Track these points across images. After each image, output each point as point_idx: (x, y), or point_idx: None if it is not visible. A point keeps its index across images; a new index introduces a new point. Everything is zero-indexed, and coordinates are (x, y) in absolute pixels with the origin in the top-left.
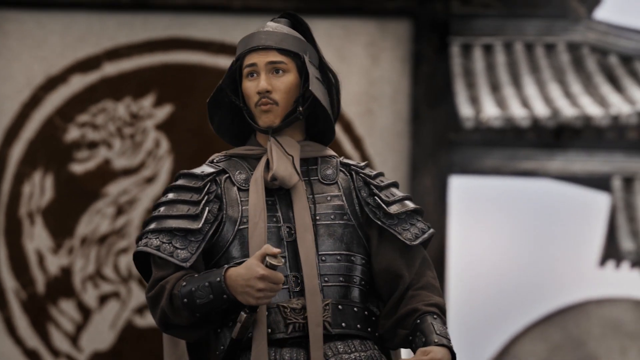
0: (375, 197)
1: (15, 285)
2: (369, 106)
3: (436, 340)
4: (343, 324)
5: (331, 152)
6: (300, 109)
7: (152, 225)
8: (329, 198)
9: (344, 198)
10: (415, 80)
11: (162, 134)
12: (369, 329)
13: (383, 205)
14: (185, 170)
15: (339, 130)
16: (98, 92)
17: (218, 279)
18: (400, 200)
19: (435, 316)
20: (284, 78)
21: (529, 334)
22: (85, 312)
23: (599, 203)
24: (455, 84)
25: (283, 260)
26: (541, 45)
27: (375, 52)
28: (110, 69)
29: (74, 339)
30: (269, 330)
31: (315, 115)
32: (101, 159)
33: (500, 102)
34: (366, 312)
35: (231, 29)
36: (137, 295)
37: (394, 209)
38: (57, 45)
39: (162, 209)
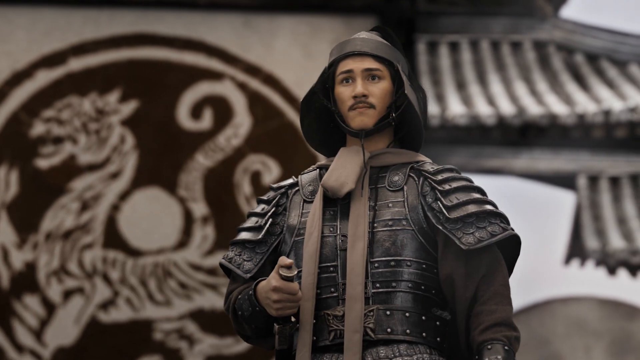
0: (439, 202)
1: None
2: None
3: None
4: (388, 330)
5: (418, 158)
6: (393, 114)
7: (234, 238)
8: (390, 205)
9: (406, 204)
10: None
11: (128, 130)
12: (423, 334)
13: (444, 210)
14: (272, 184)
15: None
16: (64, 88)
17: (250, 292)
18: (466, 203)
19: (489, 346)
20: (379, 84)
21: None
22: (50, 308)
23: (564, 201)
24: (420, 81)
25: (296, 270)
26: (507, 43)
27: None
28: (76, 64)
29: (38, 334)
30: (314, 337)
31: (405, 123)
32: (66, 155)
33: (466, 100)
34: (424, 317)
35: (197, 25)
36: (102, 290)
37: (455, 213)
38: (22, 40)
39: (244, 221)
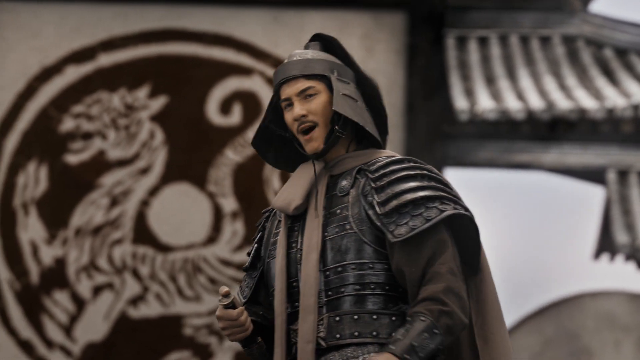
0: (374, 198)
1: (9, 276)
2: None
3: (384, 350)
4: (337, 335)
5: (375, 156)
6: (337, 127)
7: None
8: (338, 211)
9: (350, 207)
10: (410, 73)
11: (157, 125)
12: (374, 333)
13: (376, 206)
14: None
15: None
16: (93, 83)
17: None
18: (399, 194)
19: (409, 318)
20: (316, 100)
21: (523, 327)
22: (79, 303)
23: (593, 196)
24: (450, 76)
25: (231, 296)
26: (536, 38)
27: (370, 44)
28: (105, 59)
29: (67, 329)
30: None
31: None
32: (96, 150)
33: (495, 95)
34: (375, 317)
35: (226, 20)
36: (131, 286)
37: (387, 207)
38: (52, 36)
39: None
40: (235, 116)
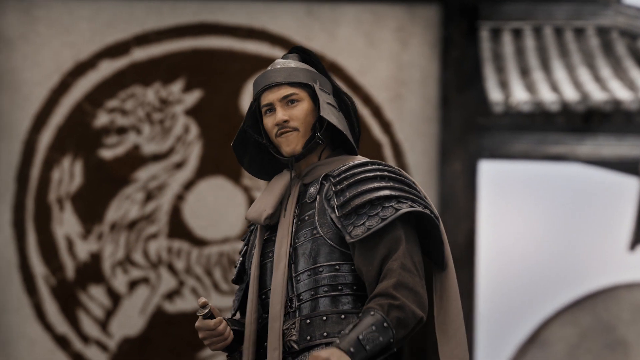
0: (334, 201)
1: (44, 271)
2: (398, 91)
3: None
4: (308, 337)
5: (345, 163)
6: (318, 134)
7: None
8: (307, 218)
9: (316, 213)
10: (445, 65)
11: (192, 119)
12: (341, 332)
13: (336, 209)
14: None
15: (367, 115)
16: (127, 78)
17: None
18: (356, 196)
19: (360, 314)
20: (298, 106)
21: (559, 319)
22: (115, 298)
23: (628, 187)
24: (484, 68)
25: (209, 306)
26: (570, 30)
27: (404, 37)
28: (140, 54)
29: (103, 324)
30: None
31: (335, 130)
32: (130, 145)
33: (530, 87)
34: (343, 316)
35: (260, 14)
36: (167, 280)
37: (344, 209)
38: (86, 31)
39: None
40: None
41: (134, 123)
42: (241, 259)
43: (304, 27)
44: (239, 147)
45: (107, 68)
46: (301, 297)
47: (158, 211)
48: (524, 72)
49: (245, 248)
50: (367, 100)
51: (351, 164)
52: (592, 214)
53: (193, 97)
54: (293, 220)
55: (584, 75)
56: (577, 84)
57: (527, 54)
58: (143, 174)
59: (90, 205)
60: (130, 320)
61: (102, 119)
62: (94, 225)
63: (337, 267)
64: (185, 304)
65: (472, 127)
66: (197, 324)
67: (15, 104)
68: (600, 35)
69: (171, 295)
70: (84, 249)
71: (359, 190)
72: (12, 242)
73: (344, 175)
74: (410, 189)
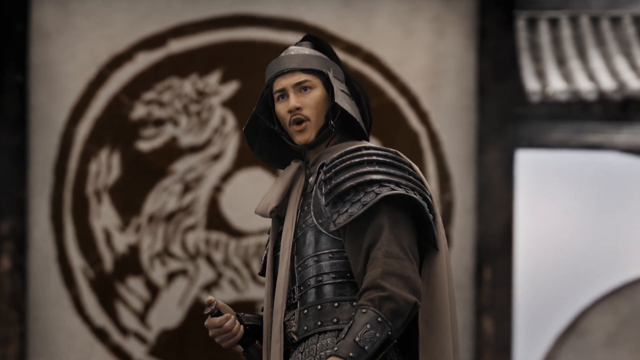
0: (322, 189)
1: (83, 264)
2: (434, 81)
3: (331, 353)
4: (305, 328)
5: (347, 148)
6: (332, 122)
7: None
8: (306, 208)
9: (312, 202)
10: (481, 55)
11: (229, 111)
12: (334, 320)
13: (323, 196)
14: None
15: (404, 105)
16: (164, 70)
17: None
18: (342, 183)
19: (353, 313)
20: (311, 94)
21: (598, 308)
22: (153, 290)
23: None
24: (521, 58)
25: (214, 304)
26: (607, 19)
27: (440, 26)
28: (176, 46)
29: (142, 316)
30: None
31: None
32: (168, 137)
33: (567, 76)
34: (336, 304)
35: (296, 5)
36: (205, 272)
37: (330, 196)
38: (122, 23)
39: None
40: None
41: (171, 115)
42: (265, 252)
43: (340, 18)
44: (250, 133)
45: (143, 60)
46: (302, 288)
47: (196, 203)
48: (561, 62)
49: (268, 242)
50: (404, 91)
51: (348, 149)
52: (630, 202)
53: (230, 89)
54: (297, 211)
55: (621, 64)
56: (613, 73)
57: (564, 43)
58: (180, 166)
59: (128, 198)
60: (168, 312)
61: (139, 111)
62: (132, 218)
63: (330, 255)
64: (223, 295)
65: (509, 117)
66: (206, 322)
67: (53, 97)
68: (636, 24)
69: (209, 287)
70: (122, 242)
71: (345, 176)
72: (50, 235)
73: (334, 162)
74: (398, 171)
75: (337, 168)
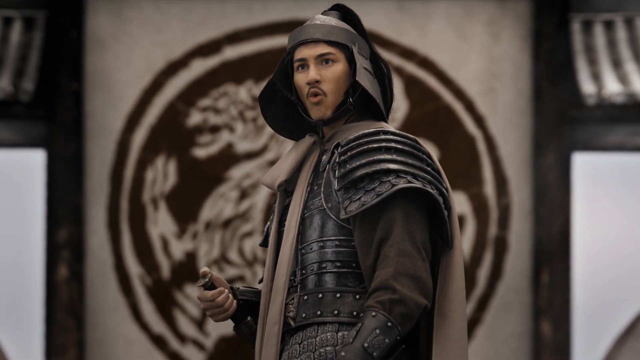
0: (336, 173)
1: (140, 271)
2: (490, 84)
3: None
4: (303, 315)
5: (370, 127)
6: (351, 99)
7: None
8: (316, 187)
9: (323, 183)
10: (537, 58)
11: None
12: (335, 312)
13: (336, 181)
14: None
15: (460, 110)
16: (219, 76)
17: None
18: (357, 168)
19: (361, 314)
20: (333, 68)
21: None
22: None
23: None
24: (576, 60)
25: (208, 277)
26: None
27: (495, 30)
28: (231, 52)
29: (199, 323)
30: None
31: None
32: (224, 143)
33: (622, 78)
34: (338, 295)
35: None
36: None
37: (343, 181)
38: (177, 30)
39: None
40: None
41: (227, 121)
42: (269, 224)
43: (395, 22)
44: (264, 101)
45: (199, 67)
46: (304, 272)
47: (253, 209)
48: (616, 64)
49: (272, 215)
50: (460, 95)
51: (362, 132)
52: None
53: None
54: (306, 188)
55: None
56: None
57: (619, 46)
58: (237, 172)
59: (185, 205)
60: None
61: (195, 118)
62: (189, 225)
63: (336, 242)
64: None
65: (565, 120)
66: (198, 295)
67: (108, 105)
68: None
69: None
70: (179, 248)
71: (361, 162)
72: (107, 243)
73: (351, 144)
74: (417, 161)
75: (354, 152)
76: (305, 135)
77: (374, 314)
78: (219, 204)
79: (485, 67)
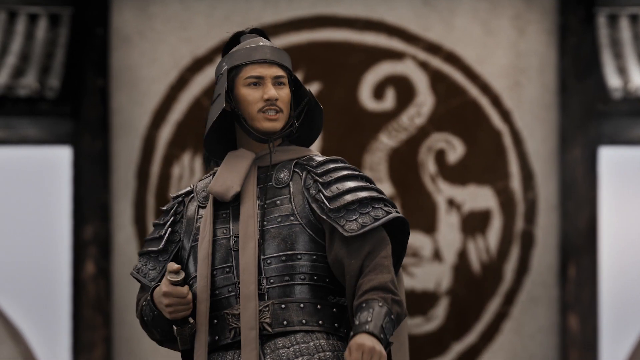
0: (321, 193)
1: None
2: (516, 79)
3: (359, 330)
4: (285, 322)
5: (305, 153)
6: (296, 124)
7: (141, 250)
8: (278, 202)
9: (292, 199)
10: (562, 52)
11: None
12: (320, 322)
13: (326, 201)
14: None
15: (487, 104)
16: None
17: (148, 298)
18: (347, 192)
19: (364, 304)
20: (285, 90)
21: None
22: None
23: None
24: (602, 54)
25: (182, 273)
26: None
27: (521, 24)
28: None
29: None
30: (217, 337)
31: (301, 124)
32: None
33: None
34: (319, 306)
35: (377, 5)
36: None
37: (336, 202)
38: (202, 26)
39: (149, 232)
40: (389, 101)
41: None
42: (170, 229)
43: (421, 17)
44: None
45: None
46: (272, 281)
47: None
48: None
49: (172, 219)
50: (486, 89)
51: (323, 158)
52: None
53: (312, 90)
54: (257, 201)
55: None
56: None
57: None
58: None
59: None
60: None
61: None
62: None
63: (314, 257)
64: None
65: (592, 114)
66: (166, 289)
67: (134, 101)
68: None
69: None
70: None
71: (349, 186)
72: (134, 240)
73: (325, 168)
74: (384, 194)
75: (336, 176)
76: (239, 150)
77: (380, 304)
78: None
79: (511, 62)
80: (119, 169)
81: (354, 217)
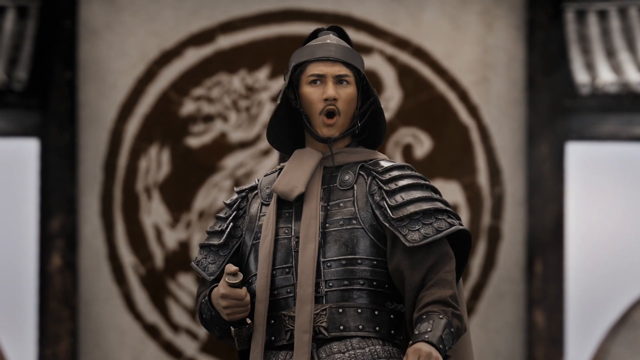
0: (384, 201)
1: (133, 261)
2: (484, 74)
3: (418, 339)
4: (341, 327)
5: (372, 156)
6: (359, 124)
7: (202, 242)
8: (341, 204)
9: (356, 203)
10: (530, 48)
11: None
12: (377, 328)
13: (389, 210)
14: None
15: (454, 99)
16: (213, 66)
17: (206, 298)
18: (411, 202)
19: (424, 316)
20: (347, 89)
21: None
22: None
23: None
24: (570, 50)
25: (240, 275)
26: None
27: (489, 20)
28: (225, 42)
29: (193, 313)
30: (273, 337)
31: (366, 126)
32: (217, 133)
33: (616, 68)
34: (376, 312)
35: (345, 0)
36: None
37: (399, 212)
38: (170, 19)
39: (210, 225)
40: None
41: (220, 111)
42: (231, 224)
43: (389, 12)
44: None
45: (192, 56)
46: (330, 284)
47: None
48: (610, 54)
49: (234, 213)
50: (453, 85)
51: (390, 163)
52: None
53: (279, 84)
54: (320, 203)
55: None
56: None
57: (613, 35)
58: (230, 162)
59: (178, 194)
60: None
61: (188, 107)
62: (182, 214)
63: (374, 262)
64: None
65: (559, 109)
66: (224, 291)
67: (102, 94)
68: None
69: None
70: (172, 238)
71: (414, 196)
72: (100, 232)
73: (390, 175)
74: (448, 204)
75: (401, 184)
76: (306, 149)
77: (441, 316)
78: (212, 193)
79: (478, 57)
80: (86, 161)
81: (417, 228)
